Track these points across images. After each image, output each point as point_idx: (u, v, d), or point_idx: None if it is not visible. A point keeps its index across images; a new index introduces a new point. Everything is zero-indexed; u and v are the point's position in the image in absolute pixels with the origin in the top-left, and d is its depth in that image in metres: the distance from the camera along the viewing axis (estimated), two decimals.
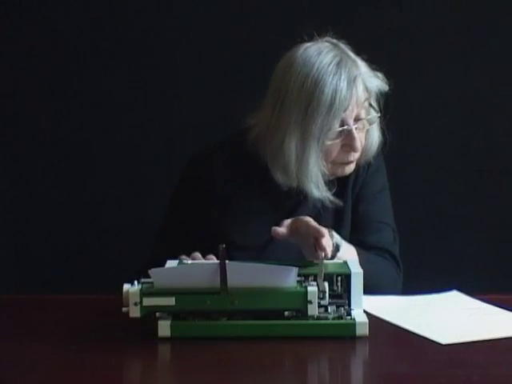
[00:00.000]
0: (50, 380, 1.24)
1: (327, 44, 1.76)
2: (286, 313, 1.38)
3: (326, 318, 1.38)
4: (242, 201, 1.81)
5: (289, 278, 1.36)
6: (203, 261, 1.59)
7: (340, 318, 1.39)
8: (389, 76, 2.33)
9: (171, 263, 1.51)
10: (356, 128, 1.73)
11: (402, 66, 2.43)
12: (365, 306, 1.44)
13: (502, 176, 2.47)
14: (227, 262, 1.35)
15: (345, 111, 1.71)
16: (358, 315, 1.40)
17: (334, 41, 1.77)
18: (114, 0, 2.48)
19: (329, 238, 1.59)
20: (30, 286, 2.48)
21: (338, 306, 1.42)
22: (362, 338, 1.37)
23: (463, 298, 1.63)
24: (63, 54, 2.48)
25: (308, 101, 1.70)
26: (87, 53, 2.48)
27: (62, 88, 2.49)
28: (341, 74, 1.70)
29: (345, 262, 1.49)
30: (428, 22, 2.44)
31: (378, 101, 1.79)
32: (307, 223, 1.60)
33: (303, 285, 1.38)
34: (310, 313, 1.36)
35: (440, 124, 2.48)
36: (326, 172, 1.75)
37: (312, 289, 1.36)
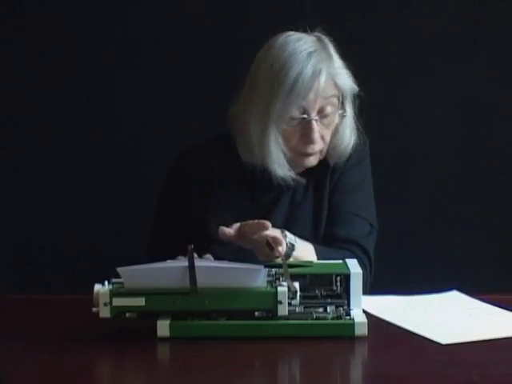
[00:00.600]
0: (49, 380, 1.24)
1: (311, 36, 1.76)
2: (257, 313, 1.38)
3: (325, 318, 1.38)
4: (222, 196, 1.82)
5: (258, 278, 1.37)
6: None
7: (339, 318, 1.39)
8: (389, 76, 2.34)
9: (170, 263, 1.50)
10: (317, 121, 1.73)
11: (402, 66, 2.44)
12: (364, 305, 1.45)
13: (502, 176, 2.47)
14: (196, 262, 1.36)
15: (305, 99, 1.71)
16: (357, 315, 1.40)
17: (320, 35, 1.77)
18: (113, 0, 2.48)
19: (280, 237, 1.58)
20: (30, 286, 2.48)
21: (337, 306, 1.41)
22: (361, 338, 1.36)
23: (463, 298, 1.63)
24: (63, 54, 2.48)
25: (272, 82, 1.72)
26: (86, 53, 2.47)
27: (62, 88, 2.49)
28: (308, 63, 1.70)
29: (344, 263, 1.49)
30: (428, 22, 2.44)
31: (353, 102, 1.78)
32: (254, 225, 1.58)
33: (273, 285, 1.38)
34: (279, 313, 1.36)
35: (440, 124, 2.47)
36: (289, 155, 1.76)
37: (282, 289, 1.36)
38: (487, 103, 2.46)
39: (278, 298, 1.36)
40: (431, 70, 2.45)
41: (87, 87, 2.49)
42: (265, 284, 1.38)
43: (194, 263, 1.35)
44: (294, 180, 1.77)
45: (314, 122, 1.73)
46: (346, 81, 1.75)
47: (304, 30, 1.78)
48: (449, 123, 2.47)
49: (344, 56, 1.79)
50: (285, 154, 1.75)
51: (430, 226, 2.46)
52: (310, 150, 1.76)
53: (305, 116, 1.73)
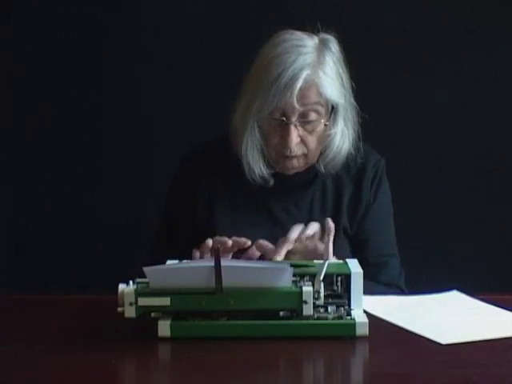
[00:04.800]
0: (49, 380, 1.24)
1: (314, 39, 1.75)
2: (281, 313, 1.38)
3: (326, 318, 1.38)
4: (227, 200, 1.83)
5: (284, 277, 1.36)
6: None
7: (340, 318, 1.39)
8: (389, 75, 2.34)
9: (171, 263, 1.50)
10: (297, 125, 1.73)
11: (402, 66, 2.44)
12: (365, 305, 1.45)
13: (502, 176, 2.47)
14: (222, 262, 1.35)
15: (281, 101, 1.70)
16: (358, 315, 1.40)
17: (327, 37, 1.76)
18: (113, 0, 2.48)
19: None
20: (30, 286, 2.48)
21: (337, 306, 1.41)
22: (362, 338, 1.37)
23: (463, 298, 1.63)
24: (64, 54, 2.48)
25: (257, 79, 1.73)
26: (86, 53, 2.48)
27: (61, 88, 2.49)
28: (291, 66, 1.69)
29: (345, 262, 1.49)
30: (428, 21, 2.44)
31: (338, 113, 1.77)
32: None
33: (298, 285, 1.38)
34: (304, 313, 1.36)
35: (440, 124, 2.48)
36: (273, 156, 1.77)
37: (307, 289, 1.36)
38: (488, 103, 2.46)
39: (303, 298, 1.35)
40: (431, 70, 2.45)
41: (85, 87, 2.49)
42: (290, 283, 1.37)
43: (220, 263, 1.35)
44: (265, 180, 1.79)
45: (291, 127, 1.72)
46: (330, 90, 1.73)
47: (314, 29, 1.77)
48: (449, 123, 2.48)
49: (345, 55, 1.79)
50: (267, 153, 1.77)
51: (430, 226, 2.47)
52: (287, 152, 1.75)
53: (283, 119, 1.73)
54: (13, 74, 2.49)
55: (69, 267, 2.50)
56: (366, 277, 1.76)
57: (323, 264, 1.40)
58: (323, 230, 1.67)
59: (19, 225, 2.55)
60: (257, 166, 1.78)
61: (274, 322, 1.37)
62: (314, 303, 1.36)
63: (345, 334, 1.37)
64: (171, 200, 1.90)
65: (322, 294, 1.37)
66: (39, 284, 2.45)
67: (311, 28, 1.78)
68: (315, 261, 1.58)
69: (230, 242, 1.62)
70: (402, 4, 2.44)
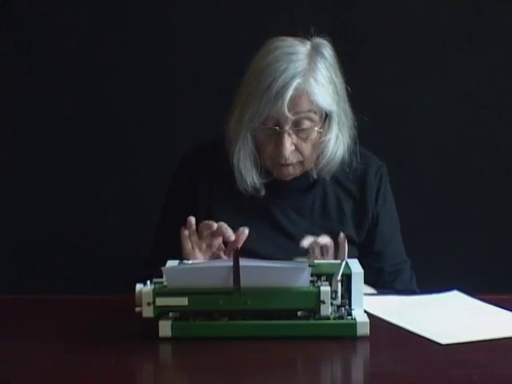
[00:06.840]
0: (49, 380, 1.24)
1: (306, 45, 1.74)
2: (299, 313, 1.38)
3: (327, 318, 1.38)
4: (227, 201, 1.83)
5: (302, 277, 1.36)
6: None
7: (341, 317, 1.39)
8: (389, 76, 2.34)
9: (171, 263, 1.50)
10: (291, 134, 1.72)
11: (402, 67, 2.44)
12: (365, 306, 1.45)
13: (502, 176, 2.47)
14: (241, 262, 1.35)
15: (272, 110, 1.69)
16: (359, 315, 1.40)
17: (320, 42, 1.75)
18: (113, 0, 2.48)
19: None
20: (30, 286, 2.48)
21: (338, 306, 1.41)
22: (362, 338, 1.37)
23: (463, 298, 1.63)
24: (63, 55, 2.48)
25: (248, 88, 1.73)
26: (85, 53, 2.48)
27: (61, 89, 2.49)
28: (282, 75, 1.68)
29: (345, 262, 1.49)
30: (428, 22, 2.44)
31: (332, 120, 1.76)
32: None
33: (316, 284, 1.38)
34: (322, 313, 1.36)
35: (440, 124, 2.48)
36: (269, 164, 1.77)
37: (325, 288, 1.36)
38: (487, 103, 2.46)
39: (321, 298, 1.35)
40: (431, 70, 2.45)
41: (85, 88, 2.49)
42: (307, 283, 1.37)
43: (238, 263, 1.35)
44: (256, 190, 1.79)
45: (285, 135, 1.72)
46: (322, 98, 1.72)
47: (307, 34, 1.77)
48: (449, 123, 2.48)
49: (343, 57, 1.79)
50: (262, 161, 1.77)
51: (430, 225, 2.47)
52: (281, 160, 1.75)
53: (276, 128, 1.72)
54: (13, 74, 2.49)
55: (69, 267, 2.51)
56: (380, 285, 1.78)
57: (340, 264, 1.41)
58: (335, 243, 1.68)
59: (19, 225, 2.55)
60: (249, 176, 1.78)
61: (274, 322, 1.37)
62: (331, 303, 1.36)
63: (346, 334, 1.37)
64: (171, 199, 1.90)
65: (339, 294, 1.38)
66: (39, 284, 2.46)
67: (305, 33, 1.76)
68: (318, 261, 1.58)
69: (214, 226, 1.63)
70: (403, 6, 2.44)
